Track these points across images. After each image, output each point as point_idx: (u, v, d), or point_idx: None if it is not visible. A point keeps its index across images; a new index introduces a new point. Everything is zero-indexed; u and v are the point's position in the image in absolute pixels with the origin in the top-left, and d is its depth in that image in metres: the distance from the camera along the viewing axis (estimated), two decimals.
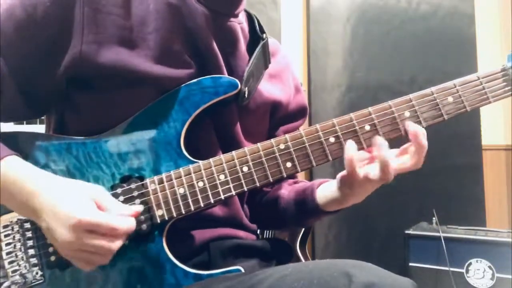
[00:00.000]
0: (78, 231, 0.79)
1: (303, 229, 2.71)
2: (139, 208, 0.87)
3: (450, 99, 0.93)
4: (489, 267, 2.11)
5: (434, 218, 2.36)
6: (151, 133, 0.93)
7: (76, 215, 0.78)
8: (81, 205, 0.80)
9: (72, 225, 0.78)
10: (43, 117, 1.09)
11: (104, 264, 0.84)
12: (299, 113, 1.21)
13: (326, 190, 1.04)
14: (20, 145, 0.93)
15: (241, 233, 1.06)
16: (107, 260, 0.83)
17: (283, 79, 1.17)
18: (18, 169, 0.86)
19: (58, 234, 0.80)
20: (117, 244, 0.81)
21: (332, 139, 0.92)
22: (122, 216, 0.82)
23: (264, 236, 2.67)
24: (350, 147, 0.90)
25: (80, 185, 0.87)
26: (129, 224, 0.83)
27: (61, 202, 0.81)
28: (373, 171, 0.90)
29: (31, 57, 0.93)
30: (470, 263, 2.15)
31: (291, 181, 1.19)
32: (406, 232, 2.34)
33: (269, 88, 1.10)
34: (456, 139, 2.78)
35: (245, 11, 1.12)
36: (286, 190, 1.14)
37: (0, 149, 0.87)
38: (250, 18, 1.13)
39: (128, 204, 0.89)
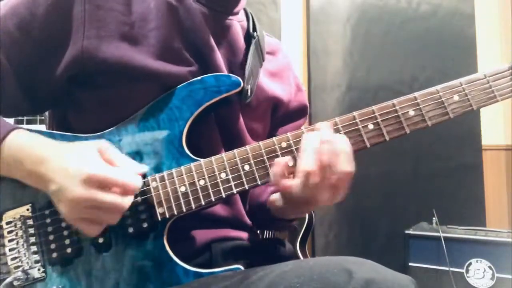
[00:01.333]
0: (90, 186, 0.79)
1: (303, 229, 2.71)
2: (145, 168, 0.89)
3: (456, 97, 0.92)
4: (489, 267, 2.11)
5: (434, 218, 2.36)
6: (152, 131, 0.93)
7: (86, 170, 0.79)
8: (89, 160, 0.82)
9: (83, 179, 0.79)
10: (42, 117, 1.09)
11: (113, 223, 0.84)
12: (300, 112, 1.21)
13: (274, 198, 1.07)
14: None
15: (243, 234, 1.06)
16: (116, 219, 0.84)
17: (284, 77, 1.17)
18: (26, 138, 0.89)
19: (70, 192, 0.80)
20: (128, 200, 0.82)
21: None
22: (130, 173, 0.84)
23: (264, 236, 2.67)
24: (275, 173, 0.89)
25: (84, 143, 0.89)
26: (138, 181, 0.84)
27: (70, 160, 0.82)
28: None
29: (33, 54, 0.94)
30: (470, 263, 2.15)
31: None
32: (406, 232, 2.34)
33: (270, 86, 1.10)
34: (456, 139, 2.78)
35: (244, 9, 1.13)
36: (256, 190, 1.15)
37: (4, 125, 0.90)
38: (247, 16, 1.13)
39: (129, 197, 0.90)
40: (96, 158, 0.83)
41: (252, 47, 1.06)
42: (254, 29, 1.10)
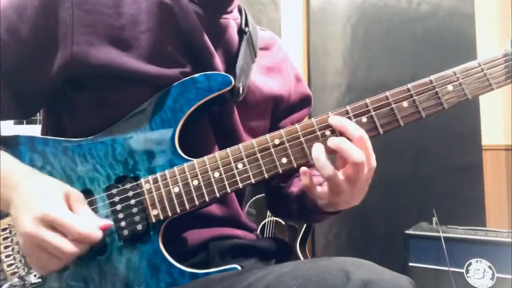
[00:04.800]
0: (41, 225, 0.78)
1: (303, 229, 2.71)
2: (109, 222, 0.86)
3: (450, 87, 0.91)
4: (489, 267, 2.10)
5: (434, 218, 2.36)
6: (145, 133, 0.93)
7: (43, 209, 0.78)
8: (52, 201, 0.81)
9: (37, 217, 0.78)
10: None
11: (54, 269, 0.83)
12: (303, 102, 1.20)
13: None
14: (16, 148, 0.93)
15: (240, 232, 1.06)
16: (57, 266, 0.82)
17: (282, 71, 1.16)
18: (2, 163, 0.88)
19: (21, 224, 0.79)
20: (74, 249, 0.79)
21: (328, 133, 0.90)
22: (88, 223, 0.81)
23: (264, 236, 2.67)
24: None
25: (58, 184, 0.87)
26: (93, 232, 0.81)
27: (35, 194, 0.82)
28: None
29: (21, 58, 0.93)
30: (470, 263, 2.15)
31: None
32: (406, 232, 2.33)
33: (268, 83, 1.10)
34: (456, 139, 2.78)
35: (238, 6, 1.12)
36: (296, 187, 1.13)
37: None
38: (241, 12, 1.12)
39: (123, 204, 0.89)
40: (58, 199, 0.82)
41: (243, 43, 1.05)
42: (246, 25, 1.09)
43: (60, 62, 0.92)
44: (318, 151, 0.86)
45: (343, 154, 0.85)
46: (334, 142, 0.86)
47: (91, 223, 0.82)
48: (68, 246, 0.78)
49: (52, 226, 0.78)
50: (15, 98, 0.96)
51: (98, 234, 0.82)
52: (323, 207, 0.98)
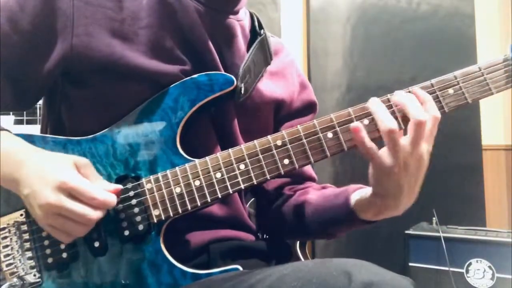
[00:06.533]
0: (61, 193, 0.80)
1: None
2: (119, 186, 0.88)
3: (451, 91, 0.91)
4: (489, 267, 2.10)
5: (434, 218, 2.36)
6: (146, 132, 0.93)
7: (59, 177, 0.80)
8: (67, 170, 0.83)
9: (56, 186, 0.80)
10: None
11: (80, 235, 0.84)
12: (306, 109, 1.19)
13: (361, 195, 0.96)
14: None
15: (241, 234, 1.06)
16: (83, 232, 0.84)
17: (286, 76, 1.16)
18: (5, 142, 0.89)
19: (42, 196, 0.81)
20: (95, 215, 0.82)
21: (330, 135, 0.90)
22: (104, 190, 0.84)
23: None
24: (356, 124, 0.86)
25: (65, 155, 0.89)
26: (110, 198, 0.83)
27: (46, 167, 0.83)
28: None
29: (21, 48, 0.94)
30: (470, 263, 2.15)
31: (318, 186, 1.15)
32: (406, 232, 2.34)
33: (270, 87, 1.09)
34: (456, 139, 2.77)
35: (248, 12, 1.12)
36: (314, 195, 1.08)
37: None
38: (251, 17, 1.12)
39: (125, 204, 0.89)
40: (70, 169, 0.84)
41: (255, 45, 1.05)
42: (261, 28, 1.09)
43: (59, 54, 0.92)
44: (376, 104, 0.88)
45: (406, 110, 0.86)
46: (398, 97, 0.88)
47: (104, 189, 0.84)
48: (92, 212, 0.81)
49: (71, 194, 0.81)
50: (13, 88, 0.96)
51: (114, 200, 0.84)
52: (362, 212, 0.96)
